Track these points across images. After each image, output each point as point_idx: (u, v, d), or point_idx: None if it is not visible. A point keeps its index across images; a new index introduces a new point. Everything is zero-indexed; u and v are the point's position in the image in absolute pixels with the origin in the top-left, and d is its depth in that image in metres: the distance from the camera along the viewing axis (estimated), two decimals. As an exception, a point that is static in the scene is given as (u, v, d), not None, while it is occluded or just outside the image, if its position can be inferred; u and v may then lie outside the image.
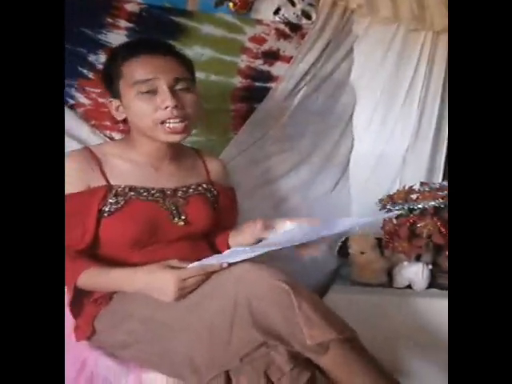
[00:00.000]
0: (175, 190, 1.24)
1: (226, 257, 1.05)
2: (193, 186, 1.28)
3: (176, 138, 1.17)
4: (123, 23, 1.54)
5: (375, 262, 1.67)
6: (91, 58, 1.50)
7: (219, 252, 1.28)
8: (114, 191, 1.16)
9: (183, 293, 1.03)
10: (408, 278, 1.63)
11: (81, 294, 1.13)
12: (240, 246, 1.12)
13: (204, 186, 1.31)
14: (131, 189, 1.18)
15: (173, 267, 1.05)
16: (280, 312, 0.95)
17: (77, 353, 1.12)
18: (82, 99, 1.50)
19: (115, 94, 1.19)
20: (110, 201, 1.15)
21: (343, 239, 1.73)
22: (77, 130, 1.47)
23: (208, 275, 1.04)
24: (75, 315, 1.14)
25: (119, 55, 1.17)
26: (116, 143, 1.33)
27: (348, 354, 0.98)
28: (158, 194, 1.20)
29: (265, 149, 1.85)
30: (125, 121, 1.23)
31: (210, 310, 0.99)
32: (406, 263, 1.65)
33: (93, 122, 1.52)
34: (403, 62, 1.97)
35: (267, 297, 0.96)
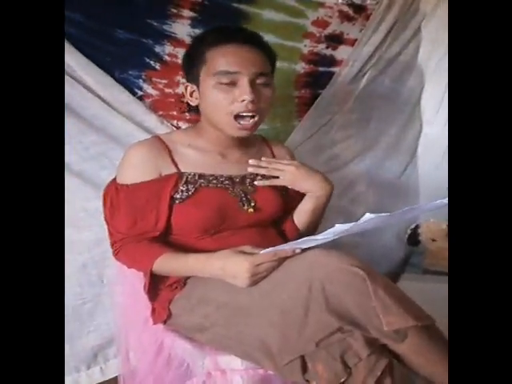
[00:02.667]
0: (243, 178, 1.28)
1: (299, 243, 1.08)
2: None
3: (244, 133, 1.21)
4: (186, 13, 1.58)
5: (447, 249, 1.67)
6: (157, 48, 1.56)
7: (288, 239, 1.34)
8: (184, 178, 1.21)
9: (256, 278, 1.07)
10: (483, 266, 1.63)
11: (156, 279, 1.21)
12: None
13: None
14: (201, 176, 1.22)
15: (246, 253, 1.09)
16: (355, 297, 0.98)
17: (154, 335, 1.20)
18: (150, 90, 1.56)
19: (193, 78, 1.22)
20: (181, 188, 1.20)
21: (413, 226, 1.74)
22: (145, 121, 1.54)
23: (281, 261, 1.08)
24: (151, 299, 1.22)
25: (206, 41, 1.20)
26: (184, 131, 1.36)
27: (426, 342, 0.99)
28: (226, 182, 1.25)
29: (330, 135, 1.88)
30: (192, 109, 1.28)
31: (284, 295, 1.02)
32: (480, 251, 1.64)
33: (160, 113, 1.58)
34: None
35: (341, 282, 0.99)
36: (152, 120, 1.55)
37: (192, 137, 1.29)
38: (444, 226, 1.69)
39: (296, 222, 1.34)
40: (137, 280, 1.22)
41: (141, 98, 1.55)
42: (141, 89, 1.55)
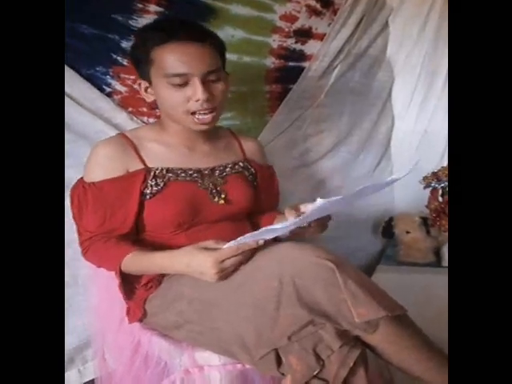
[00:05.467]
0: (212, 170, 1.31)
1: (261, 234, 1.08)
2: (230, 165, 1.35)
3: (203, 127, 1.24)
4: (153, 8, 1.59)
5: (421, 241, 1.73)
6: (124, 44, 1.56)
7: None
8: (152, 173, 1.23)
9: (224, 274, 1.07)
10: (457, 256, 1.69)
11: (131, 278, 1.21)
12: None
13: (241, 164, 1.38)
14: (168, 170, 1.25)
15: (209, 249, 1.09)
16: (325, 290, 1.00)
17: (131, 335, 1.21)
18: (118, 86, 1.56)
19: (144, 76, 1.25)
20: (150, 183, 1.22)
21: (387, 219, 1.79)
22: (115, 118, 1.54)
23: (246, 254, 1.08)
24: (126, 298, 1.22)
25: (149, 39, 1.20)
26: (149, 127, 1.40)
27: (398, 332, 1.03)
28: (195, 175, 1.28)
29: (302, 130, 1.91)
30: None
31: (255, 289, 1.04)
32: (454, 242, 1.70)
33: (130, 109, 1.59)
34: (443, 33, 2.01)
35: (311, 275, 1.01)
36: (121, 117, 1.55)
37: (157, 132, 1.32)
38: (417, 218, 1.75)
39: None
40: (111, 280, 1.23)
41: (109, 95, 1.55)
42: (109, 85, 1.55)
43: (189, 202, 1.24)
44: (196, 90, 1.18)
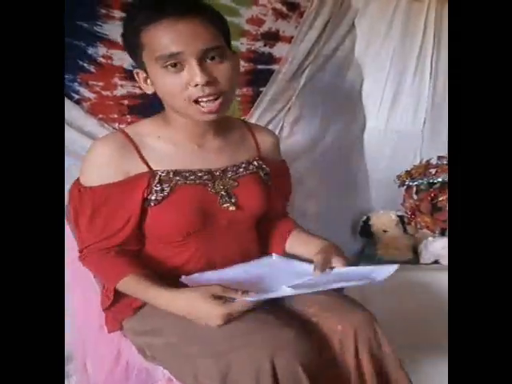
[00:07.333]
0: (224, 171, 1.21)
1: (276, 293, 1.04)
2: (243, 165, 1.24)
3: (212, 117, 1.10)
4: (117, 13, 1.60)
5: (399, 239, 1.78)
6: (90, 50, 1.58)
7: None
8: (157, 177, 1.13)
9: (230, 320, 1.02)
10: (435, 253, 1.74)
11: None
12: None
13: (255, 163, 1.27)
14: (176, 173, 1.15)
15: (216, 297, 1.01)
16: None
17: (111, 343, 1.20)
18: (87, 93, 1.57)
19: (139, 64, 1.12)
20: (155, 188, 1.12)
21: (364, 219, 1.83)
22: (86, 126, 1.54)
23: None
24: (104, 308, 1.18)
25: (137, 20, 1.06)
26: (152, 121, 1.22)
27: None
28: (206, 177, 1.18)
29: (275, 132, 1.94)
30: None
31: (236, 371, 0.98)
32: (430, 238, 1.75)
33: (100, 116, 1.59)
34: (409, 32, 2.08)
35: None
36: (92, 124, 1.56)
37: (161, 127, 1.19)
38: (394, 216, 1.80)
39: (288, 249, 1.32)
40: (89, 287, 1.22)
41: (78, 102, 1.56)
42: (77, 92, 1.56)
43: (198, 210, 1.15)
44: (193, 73, 1.04)
